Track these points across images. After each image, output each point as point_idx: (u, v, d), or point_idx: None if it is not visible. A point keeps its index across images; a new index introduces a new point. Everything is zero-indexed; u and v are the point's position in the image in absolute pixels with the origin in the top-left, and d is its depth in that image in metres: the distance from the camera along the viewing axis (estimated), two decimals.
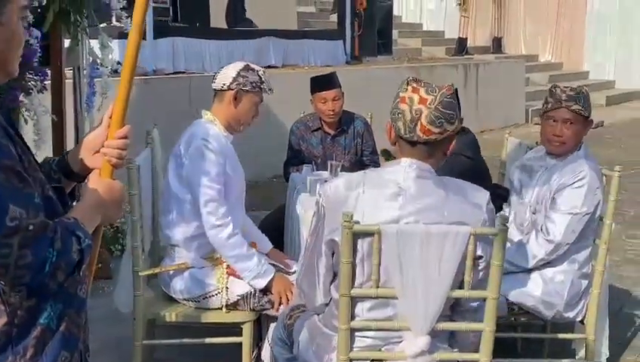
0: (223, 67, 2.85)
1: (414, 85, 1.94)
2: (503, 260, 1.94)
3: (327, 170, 3.50)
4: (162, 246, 2.98)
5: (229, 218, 2.68)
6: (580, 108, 2.71)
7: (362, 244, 1.92)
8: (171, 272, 2.76)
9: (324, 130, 3.92)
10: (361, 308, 2.00)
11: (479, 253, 1.93)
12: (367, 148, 3.97)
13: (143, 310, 2.71)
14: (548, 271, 2.74)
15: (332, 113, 3.81)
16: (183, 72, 6.92)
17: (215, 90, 2.78)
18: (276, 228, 3.51)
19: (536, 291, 2.72)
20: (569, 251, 2.71)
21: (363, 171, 2.15)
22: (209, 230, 2.67)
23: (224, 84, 2.74)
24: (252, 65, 2.80)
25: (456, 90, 3.57)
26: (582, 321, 2.78)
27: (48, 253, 1.26)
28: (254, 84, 2.74)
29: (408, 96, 1.92)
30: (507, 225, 1.93)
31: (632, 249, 4.97)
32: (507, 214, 2.98)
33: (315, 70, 7.79)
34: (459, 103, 3.44)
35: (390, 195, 1.94)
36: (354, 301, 1.98)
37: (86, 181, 1.48)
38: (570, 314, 2.76)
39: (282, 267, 2.88)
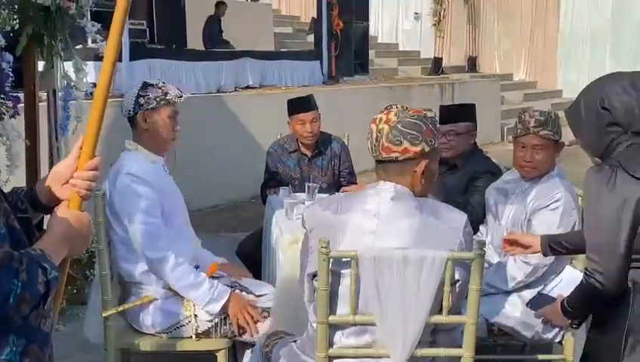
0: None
1: (390, 108, 1.97)
2: (480, 284, 1.93)
3: (304, 191, 3.48)
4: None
5: (169, 250, 2.58)
6: (549, 132, 2.71)
7: (342, 270, 1.91)
8: (138, 308, 2.67)
9: (302, 151, 3.91)
10: (340, 335, 1.98)
11: (456, 276, 1.93)
12: (345, 170, 3.97)
13: (114, 340, 2.64)
14: (526, 293, 2.74)
15: (310, 135, 3.80)
16: None
17: (127, 118, 2.70)
18: (253, 253, 3.48)
19: (515, 312, 2.72)
20: (547, 272, 2.71)
21: (342, 194, 2.14)
22: (150, 266, 2.59)
23: (129, 111, 2.67)
24: (150, 81, 2.71)
25: (473, 105, 3.58)
26: (560, 342, 2.78)
27: (13, 285, 1.22)
28: (158, 99, 2.65)
29: (379, 118, 1.96)
30: (484, 249, 1.92)
31: None
32: (484, 235, 2.99)
33: (292, 91, 7.81)
34: (475, 119, 3.44)
35: (366, 219, 1.93)
36: (332, 327, 1.96)
37: (55, 211, 1.44)
38: (549, 335, 2.76)
39: (235, 280, 2.79)
